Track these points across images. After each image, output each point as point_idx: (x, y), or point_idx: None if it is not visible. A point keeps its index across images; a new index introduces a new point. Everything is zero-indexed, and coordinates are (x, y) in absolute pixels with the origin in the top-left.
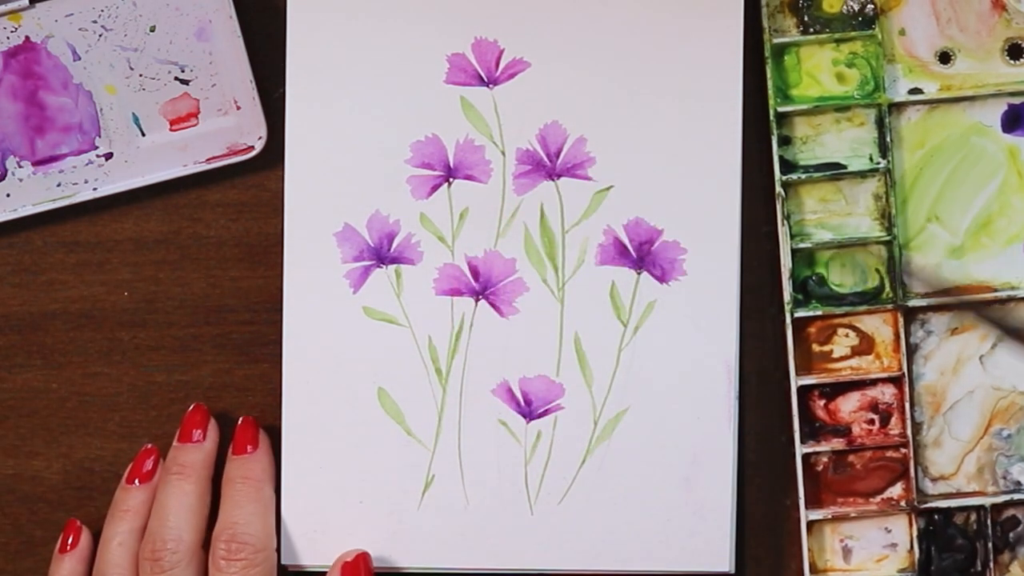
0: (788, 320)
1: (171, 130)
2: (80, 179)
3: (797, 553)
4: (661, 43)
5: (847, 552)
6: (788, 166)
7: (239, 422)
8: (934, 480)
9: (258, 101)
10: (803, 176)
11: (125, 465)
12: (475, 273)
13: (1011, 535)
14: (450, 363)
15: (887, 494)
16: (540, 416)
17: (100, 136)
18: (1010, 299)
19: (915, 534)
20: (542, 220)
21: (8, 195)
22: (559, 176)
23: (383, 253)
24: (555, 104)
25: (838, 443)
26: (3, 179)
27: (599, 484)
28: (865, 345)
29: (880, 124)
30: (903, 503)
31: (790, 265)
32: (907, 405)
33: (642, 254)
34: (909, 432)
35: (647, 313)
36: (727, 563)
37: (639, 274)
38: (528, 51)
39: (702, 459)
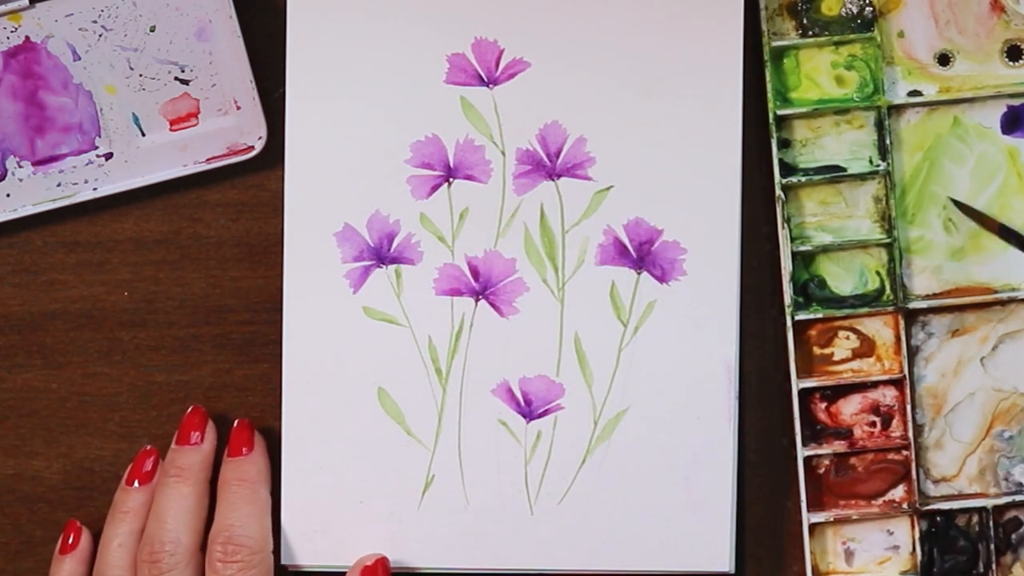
0: (789, 323)
1: (171, 130)
2: (80, 179)
3: (798, 555)
4: (661, 44)
5: (849, 554)
6: (788, 169)
7: (234, 424)
8: (936, 482)
9: (258, 101)
10: (803, 179)
11: (125, 465)
12: (475, 273)
13: (1013, 536)
14: (450, 363)
15: (889, 496)
16: (540, 416)
17: (100, 136)
18: (1010, 300)
19: (917, 536)
20: (542, 220)
21: (8, 195)
22: (559, 176)
23: (383, 253)
24: (555, 104)
25: (839, 445)
26: (3, 179)
27: (599, 484)
28: (866, 347)
29: (879, 126)
30: (905, 505)
31: (790, 268)
32: (908, 407)
33: (642, 254)
34: (910, 434)
35: (647, 313)
36: (727, 563)
37: (639, 274)
38: (528, 51)
39: (702, 459)
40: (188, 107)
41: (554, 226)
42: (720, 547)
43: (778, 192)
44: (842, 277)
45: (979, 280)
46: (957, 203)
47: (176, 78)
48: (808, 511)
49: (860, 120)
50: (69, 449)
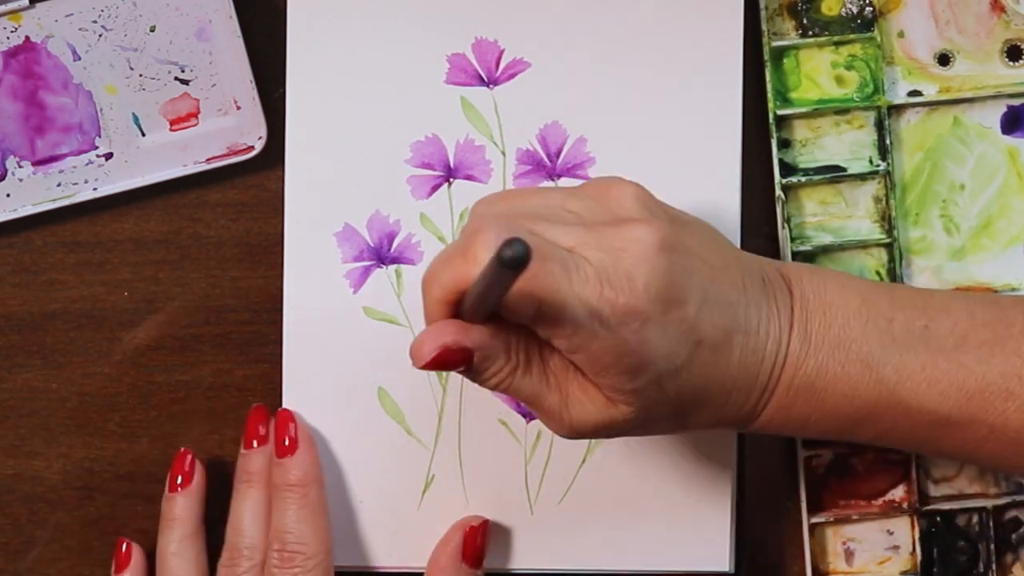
0: None
1: (171, 130)
2: (80, 179)
3: (798, 555)
4: (661, 45)
5: (849, 554)
6: (788, 169)
7: (275, 419)
8: (936, 482)
9: (258, 101)
10: (803, 179)
11: (125, 465)
12: None
13: (1013, 536)
14: None
15: (889, 496)
16: None
17: (100, 136)
18: None
19: (917, 536)
20: None
21: (8, 195)
22: (559, 176)
23: (383, 253)
24: (555, 104)
25: (840, 446)
26: (3, 179)
27: (599, 484)
28: None
29: (879, 126)
30: (905, 505)
31: None
32: None
33: None
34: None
35: None
36: (727, 563)
37: None
38: (528, 51)
39: (702, 459)
40: (188, 107)
41: None
42: (720, 547)
43: (778, 192)
44: None
45: (979, 280)
46: None
47: (176, 78)
48: (808, 511)
49: (860, 120)
50: (69, 449)
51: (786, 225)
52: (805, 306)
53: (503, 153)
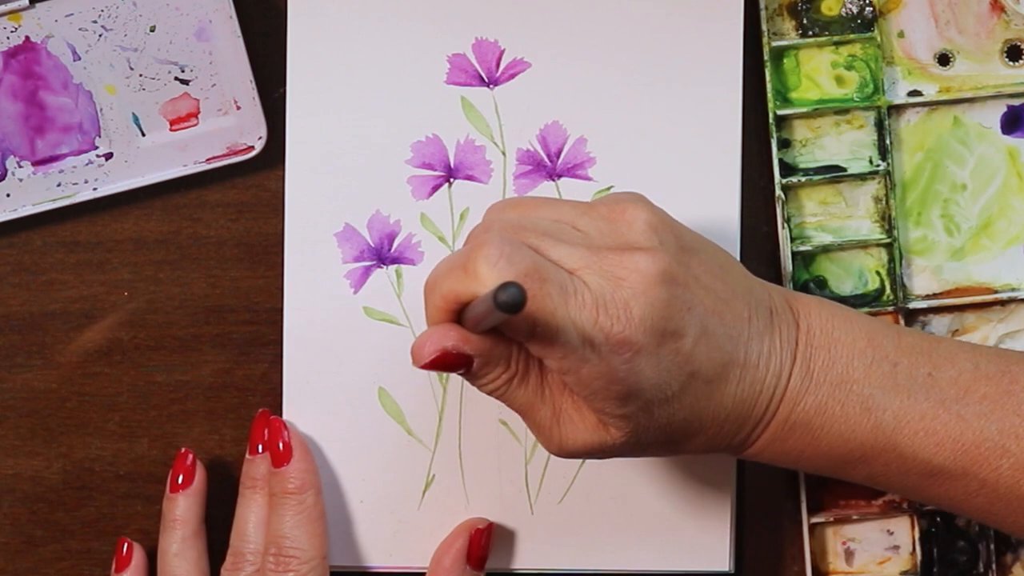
0: None
1: (171, 130)
2: (80, 179)
3: (798, 555)
4: (661, 45)
5: (849, 554)
6: (788, 169)
7: (268, 428)
8: None
9: (258, 101)
10: (803, 179)
11: (125, 465)
12: None
13: (1013, 536)
14: None
15: (889, 496)
16: None
17: (100, 136)
18: (1011, 300)
19: (917, 536)
20: None
21: (8, 195)
22: (560, 176)
23: (384, 253)
24: (555, 104)
25: None
26: (3, 179)
27: (599, 484)
28: None
29: (879, 126)
30: (905, 505)
31: (790, 268)
32: None
33: None
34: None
35: None
36: (727, 563)
37: None
38: (528, 51)
39: (702, 459)
40: (188, 107)
41: None
42: (720, 547)
43: (778, 192)
44: (842, 277)
45: (979, 280)
46: None
47: (176, 78)
48: (808, 511)
49: (860, 120)
50: (69, 449)
51: (786, 225)
52: (811, 341)
53: (503, 153)
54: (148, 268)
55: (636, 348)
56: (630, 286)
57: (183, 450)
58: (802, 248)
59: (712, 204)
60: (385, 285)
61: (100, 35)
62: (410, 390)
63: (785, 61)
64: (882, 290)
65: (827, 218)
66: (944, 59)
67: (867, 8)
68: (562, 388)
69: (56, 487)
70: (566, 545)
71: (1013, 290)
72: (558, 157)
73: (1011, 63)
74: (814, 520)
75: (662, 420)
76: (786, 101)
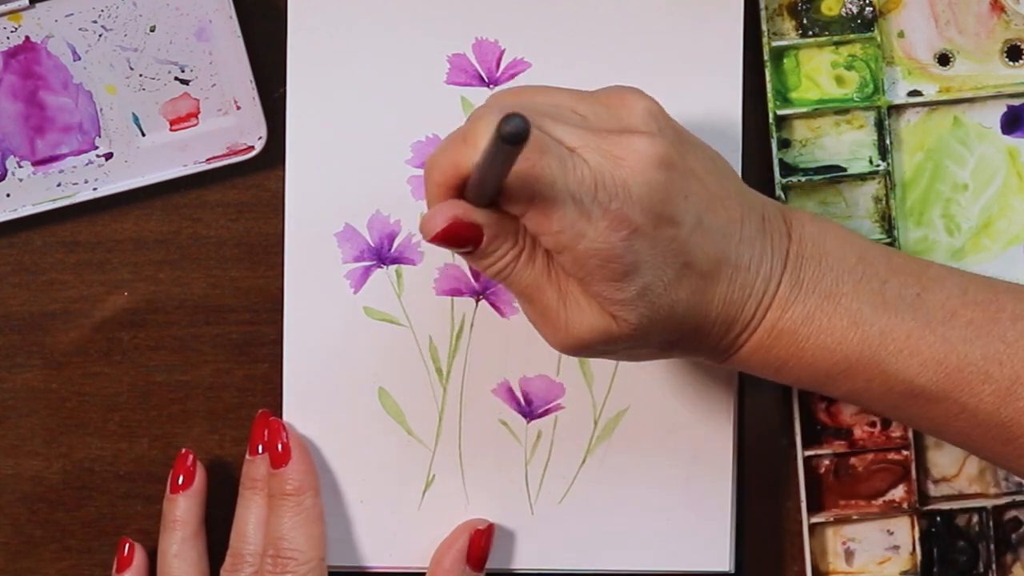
0: None
1: (171, 130)
2: (80, 179)
3: (798, 555)
4: (661, 45)
5: (849, 554)
6: (788, 169)
7: (267, 429)
8: (936, 482)
9: (258, 101)
10: (803, 179)
11: (125, 465)
12: (475, 273)
13: (1013, 536)
14: (451, 363)
15: (889, 496)
16: (540, 416)
17: (100, 136)
18: None
19: (917, 536)
20: None
21: (8, 195)
22: None
23: (384, 253)
24: None
25: (840, 446)
26: (3, 179)
27: (599, 484)
28: None
29: (879, 126)
30: (905, 505)
31: None
32: None
33: None
34: (910, 434)
35: None
36: (727, 563)
37: None
38: (528, 51)
39: (702, 459)
40: (188, 107)
41: None
42: (720, 547)
43: (778, 192)
44: None
45: None
46: None
47: (176, 78)
48: (808, 511)
49: (860, 120)
50: (69, 449)
51: None
52: (802, 252)
53: None
54: (148, 268)
55: (633, 227)
56: (629, 166)
57: (183, 451)
58: None
59: None
60: (385, 285)
61: (100, 35)
62: (410, 390)
63: (785, 61)
64: None
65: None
66: (944, 59)
67: (867, 8)
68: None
69: (56, 487)
70: (566, 545)
71: None
72: None
73: (1011, 63)
74: (814, 520)
75: (664, 311)
76: (786, 101)
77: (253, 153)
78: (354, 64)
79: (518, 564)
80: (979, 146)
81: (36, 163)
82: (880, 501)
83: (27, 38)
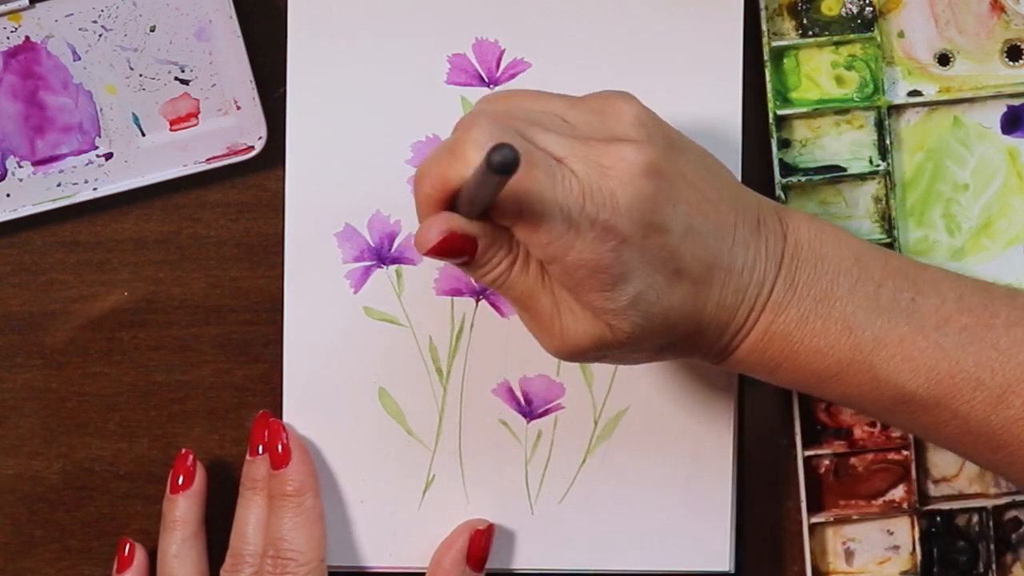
0: None
1: (171, 130)
2: (80, 179)
3: (798, 555)
4: (661, 45)
5: (849, 554)
6: (788, 169)
7: (267, 430)
8: (936, 482)
9: (258, 101)
10: (803, 179)
11: (125, 465)
12: None
13: (1013, 536)
14: (451, 363)
15: (889, 496)
16: (540, 416)
17: (100, 136)
18: None
19: (917, 536)
20: None
21: (8, 195)
22: None
23: (384, 253)
24: None
25: (840, 446)
26: (3, 179)
27: (599, 484)
28: None
29: (880, 126)
30: (905, 505)
31: None
32: None
33: None
34: (911, 434)
35: None
36: (727, 563)
37: None
38: (528, 51)
39: (702, 459)
40: (188, 107)
41: None
42: (720, 547)
43: (778, 192)
44: None
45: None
46: None
47: (176, 78)
48: (808, 511)
49: (860, 120)
50: (69, 449)
51: None
52: (797, 254)
53: None
54: (148, 268)
55: (621, 237)
56: (616, 175)
57: (183, 451)
58: None
59: None
60: (385, 285)
61: (100, 35)
62: (410, 390)
63: (785, 61)
64: None
65: (827, 218)
66: (944, 59)
67: (867, 8)
68: None
69: (56, 487)
70: (566, 545)
71: None
72: None
73: (1011, 63)
74: (814, 520)
75: (659, 318)
76: (786, 101)
77: (253, 153)
78: (354, 64)
79: (518, 564)
80: (979, 146)
81: (36, 163)
82: (880, 501)
83: (27, 38)
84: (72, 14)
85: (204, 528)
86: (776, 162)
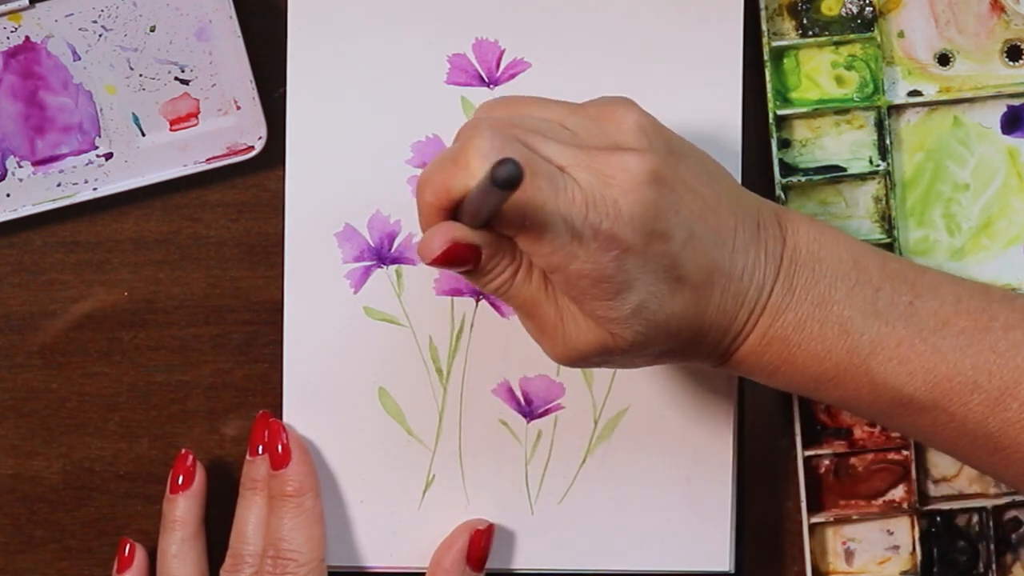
0: None
1: (171, 130)
2: (80, 179)
3: (798, 555)
4: (661, 45)
5: (849, 554)
6: (788, 169)
7: (267, 431)
8: (936, 482)
9: (258, 101)
10: (803, 179)
11: (125, 465)
12: None
13: (1013, 536)
14: (451, 363)
15: (889, 496)
16: (540, 416)
17: (100, 136)
18: None
19: (917, 536)
20: None
21: (8, 195)
22: None
23: (384, 253)
24: None
25: (840, 446)
26: (3, 179)
27: (599, 484)
28: None
29: (879, 126)
30: (905, 505)
31: None
32: None
33: None
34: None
35: None
36: (727, 563)
37: None
38: (528, 51)
39: (702, 459)
40: (188, 107)
41: None
42: (720, 547)
43: (778, 192)
44: None
45: (979, 280)
46: None
47: (176, 78)
48: (808, 511)
49: (860, 120)
50: (69, 449)
51: None
52: (796, 258)
53: None
54: (148, 268)
55: (624, 246)
56: (618, 184)
57: (183, 451)
58: None
59: None
60: (385, 285)
61: (100, 35)
62: (410, 390)
63: (785, 61)
64: None
65: (827, 218)
66: (944, 59)
67: (867, 8)
68: None
69: (56, 487)
70: (566, 545)
71: (1013, 290)
72: None
73: (1011, 63)
74: (814, 520)
75: (661, 326)
76: (786, 101)
77: (253, 153)
78: (354, 64)
79: (518, 564)
80: (979, 146)
81: (36, 163)
82: (880, 501)
83: (27, 38)
84: (72, 14)
85: (204, 528)
86: (776, 162)
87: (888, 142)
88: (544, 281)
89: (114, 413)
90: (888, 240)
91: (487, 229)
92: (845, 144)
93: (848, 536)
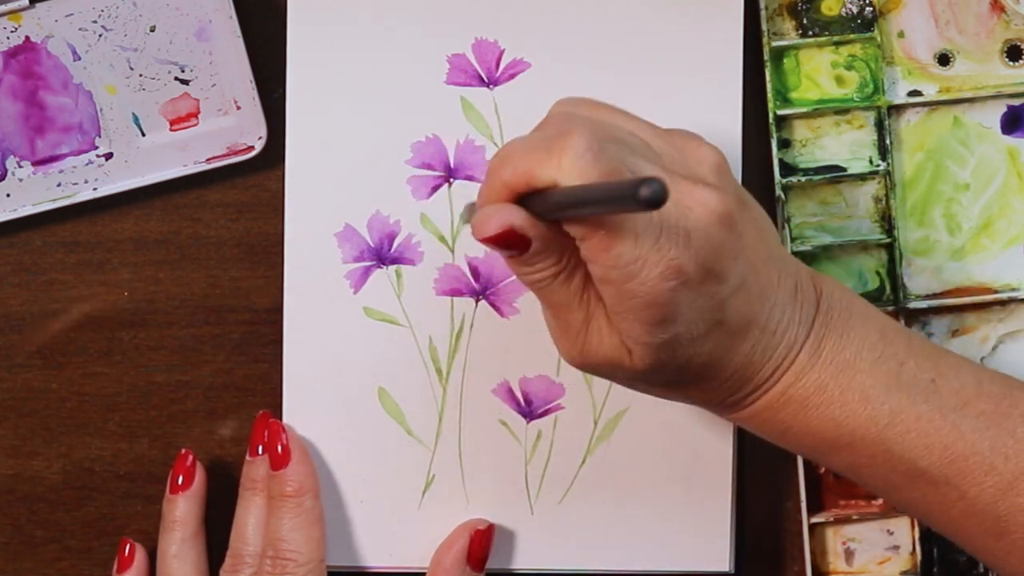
0: None
1: (171, 130)
2: (80, 179)
3: (798, 555)
4: (661, 45)
5: (849, 554)
6: (788, 169)
7: (267, 431)
8: None
9: (258, 101)
10: (803, 179)
11: (125, 465)
12: (475, 273)
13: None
14: (450, 363)
15: None
16: (540, 416)
17: (100, 136)
18: (1010, 300)
19: (917, 536)
20: None
21: (8, 195)
22: None
23: (383, 253)
24: None
25: None
26: (3, 179)
27: (599, 484)
28: None
29: (880, 126)
30: None
31: None
32: None
33: None
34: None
35: None
36: (727, 563)
37: None
38: (528, 51)
39: (702, 459)
40: (188, 107)
41: None
42: (720, 547)
43: (778, 192)
44: (842, 277)
45: (979, 280)
46: None
47: (176, 78)
48: (808, 511)
49: (860, 120)
50: (69, 449)
51: (786, 225)
52: (827, 322)
53: None
54: (148, 268)
55: (684, 278)
56: (695, 217)
57: (183, 451)
58: (802, 248)
59: None
60: (385, 285)
61: (100, 35)
62: (410, 390)
63: (785, 61)
64: (882, 290)
65: (827, 218)
66: (944, 59)
67: (867, 8)
68: (600, 298)
69: (56, 487)
70: (566, 545)
71: (1013, 290)
72: None
73: (1011, 63)
74: (814, 520)
75: (682, 360)
76: (786, 101)
77: (253, 153)
78: (354, 64)
79: (518, 564)
80: (979, 146)
81: (36, 163)
82: (880, 501)
83: (27, 38)
84: (72, 14)
85: (204, 528)
86: (776, 162)
87: (888, 142)
88: (582, 288)
89: (114, 413)
90: (888, 240)
91: (549, 223)
92: (845, 144)
93: (848, 536)
